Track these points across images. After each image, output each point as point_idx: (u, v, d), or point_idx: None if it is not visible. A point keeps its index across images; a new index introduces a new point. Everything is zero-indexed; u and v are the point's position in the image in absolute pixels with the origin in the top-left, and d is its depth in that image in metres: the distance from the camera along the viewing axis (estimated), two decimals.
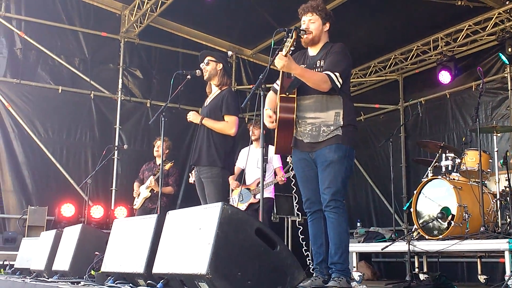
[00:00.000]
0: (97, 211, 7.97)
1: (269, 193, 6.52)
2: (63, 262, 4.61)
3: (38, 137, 8.27)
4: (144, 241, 3.36)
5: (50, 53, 8.51)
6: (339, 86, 3.58)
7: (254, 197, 6.52)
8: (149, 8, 8.39)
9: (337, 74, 3.56)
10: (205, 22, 9.34)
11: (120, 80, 8.99)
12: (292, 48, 3.52)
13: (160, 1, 8.16)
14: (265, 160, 6.47)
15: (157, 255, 3.14)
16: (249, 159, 6.54)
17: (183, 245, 2.92)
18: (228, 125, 4.65)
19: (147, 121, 8.78)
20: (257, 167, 6.61)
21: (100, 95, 8.84)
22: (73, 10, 8.78)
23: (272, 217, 8.23)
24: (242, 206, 6.57)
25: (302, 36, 3.75)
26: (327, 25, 3.82)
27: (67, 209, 7.83)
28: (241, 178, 6.64)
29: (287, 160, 6.43)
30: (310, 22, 3.79)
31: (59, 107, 8.48)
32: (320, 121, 3.63)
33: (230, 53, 9.91)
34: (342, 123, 3.61)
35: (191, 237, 2.88)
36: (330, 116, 3.63)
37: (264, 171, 6.41)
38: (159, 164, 7.11)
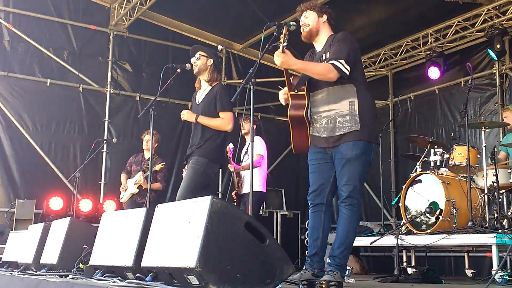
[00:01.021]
0: (85, 205, 7.94)
1: (258, 186, 6.48)
2: (51, 255, 4.59)
3: (26, 130, 8.21)
4: (133, 235, 3.35)
5: (38, 46, 8.44)
6: (347, 72, 3.53)
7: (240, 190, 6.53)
8: (138, 1, 8.34)
9: (342, 61, 3.52)
10: (195, 16, 9.30)
11: (109, 74, 8.93)
12: (284, 44, 3.52)
13: None
14: (245, 152, 6.46)
15: (146, 249, 3.13)
16: (242, 155, 6.59)
17: (172, 239, 2.92)
18: (224, 122, 4.66)
19: (136, 114, 8.74)
20: (243, 156, 6.57)
21: (89, 88, 8.77)
22: (62, 2, 8.70)
23: (261, 211, 8.26)
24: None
25: (302, 31, 3.80)
26: (324, 16, 3.84)
27: (55, 203, 7.79)
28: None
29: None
30: (305, 18, 3.84)
31: (48, 100, 8.41)
32: (334, 112, 3.61)
33: (220, 47, 9.90)
34: (357, 113, 3.56)
35: (180, 231, 2.88)
36: (345, 106, 3.59)
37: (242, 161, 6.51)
38: (148, 159, 7.09)
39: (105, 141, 8.27)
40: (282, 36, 3.52)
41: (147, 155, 7.14)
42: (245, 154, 6.52)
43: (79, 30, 8.80)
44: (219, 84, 4.87)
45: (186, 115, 4.79)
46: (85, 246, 4.28)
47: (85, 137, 8.49)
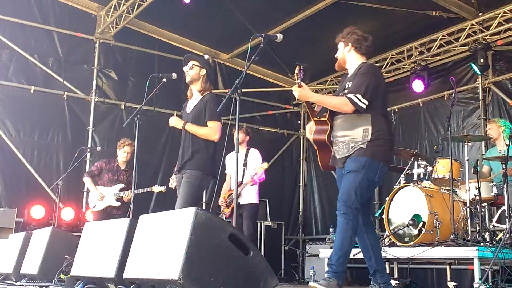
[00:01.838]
0: (67, 214, 7.86)
1: (253, 198, 6.50)
2: (31, 265, 4.53)
3: (9, 137, 8.11)
4: (115, 245, 3.32)
5: (23, 53, 8.37)
6: (364, 106, 3.70)
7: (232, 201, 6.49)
8: (125, 10, 8.32)
9: (359, 95, 3.69)
10: (182, 25, 9.30)
11: (94, 81, 8.88)
12: (298, 81, 3.70)
13: (137, 3, 8.10)
14: (244, 164, 6.54)
15: (128, 260, 3.11)
16: (233, 165, 6.51)
17: (155, 250, 2.90)
18: (211, 131, 4.64)
19: (121, 123, 8.69)
20: (242, 167, 6.60)
21: (73, 96, 8.71)
22: (48, 9, 8.65)
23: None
24: (227, 212, 6.60)
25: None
26: (349, 45, 4.00)
27: (37, 211, 7.70)
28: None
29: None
30: (337, 50, 4.07)
31: (31, 107, 8.33)
32: (348, 138, 3.80)
33: (206, 56, 10.00)
34: (369, 139, 3.73)
35: (163, 242, 2.86)
36: (359, 133, 3.77)
37: (242, 175, 6.50)
38: (124, 169, 7.00)
39: (88, 150, 8.20)
40: (295, 74, 3.73)
41: (122, 165, 7.04)
42: (243, 166, 6.60)
43: (65, 37, 8.75)
44: (209, 93, 4.86)
45: (174, 121, 4.78)
46: (66, 256, 4.24)
47: (69, 145, 8.42)
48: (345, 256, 3.66)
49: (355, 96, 3.69)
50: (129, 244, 3.14)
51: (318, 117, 3.94)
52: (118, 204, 6.78)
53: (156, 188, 6.70)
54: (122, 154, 7.01)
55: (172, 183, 4.93)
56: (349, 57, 4.00)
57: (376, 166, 3.73)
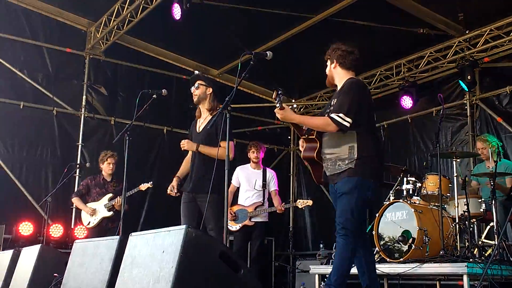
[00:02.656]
0: (56, 230, 7.79)
1: (264, 217, 6.72)
2: (20, 283, 4.48)
3: None
4: (105, 264, 3.30)
5: (12, 68, 8.35)
6: (348, 125, 3.68)
7: (250, 219, 6.65)
8: (115, 26, 8.35)
9: (341, 115, 3.68)
10: (172, 41, 9.34)
11: (84, 97, 8.86)
12: (277, 105, 3.71)
13: (127, 19, 8.13)
14: (263, 184, 6.79)
15: (118, 278, 3.09)
16: (247, 180, 6.80)
17: (146, 269, 2.89)
18: (225, 151, 4.63)
19: (111, 139, 8.67)
20: (254, 189, 6.80)
21: (63, 111, 8.69)
22: (38, 25, 8.65)
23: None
24: (236, 226, 6.68)
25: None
26: (334, 62, 4.03)
27: (25, 228, 7.63)
28: (235, 197, 6.90)
29: None
30: (326, 67, 4.10)
31: (20, 123, 8.29)
32: (335, 156, 3.82)
33: (196, 72, 10.02)
34: (356, 157, 3.72)
35: (154, 260, 2.85)
36: (344, 151, 3.77)
37: (263, 195, 6.76)
38: (110, 181, 7.00)
39: (78, 166, 8.17)
40: (273, 98, 3.76)
41: (108, 178, 7.05)
42: (262, 188, 6.83)
43: (55, 53, 8.75)
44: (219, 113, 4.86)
45: (187, 145, 4.76)
46: (55, 274, 4.20)
47: (58, 161, 8.38)
48: (342, 277, 3.67)
49: (338, 116, 3.68)
50: (119, 262, 3.13)
51: (306, 135, 3.98)
52: (111, 213, 6.78)
53: (143, 186, 6.72)
54: (107, 166, 7.03)
55: (173, 190, 4.88)
56: (335, 74, 4.02)
57: (368, 184, 3.74)
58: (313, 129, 3.90)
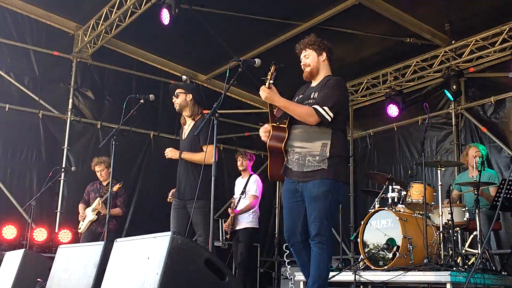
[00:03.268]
0: (40, 234, 7.71)
1: (249, 222, 6.78)
2: None
3: None
4: (89, 270, 3.28)
5: None
6: (329, 119, 3.63)
7: (233, 225, 6.91)
8: (103, 30, 8.32)
9: (326, 108, 3.62)
10: (161, 46, 9.32)
11: (71, 100, 8.79)
12: (271, 81, 3.64)
13: (116, 23, 8.11)
14: (243, 192, 6.95)
15: (102, 285, 3.07)
16: (236, 188, 7.10)
17: (130, 275, 2.88)
18: (207, 155, 4.66)
19: (97, 143, 8.61)
20: (239, 195, 6.99)
21: (49, 114, 8.61)
22: (25, 27, 8.58)
23: (220, 243, 8.30)
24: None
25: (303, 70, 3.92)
26: (324, 54, 3.94)
27: (9, 231, 7.54)
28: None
29: None
30: (305, 58, 3.93)
31: (6, 126, 8.19)
32: (306, 151, 3.70)
33: (184, 77, 9.98)
34: (328, 155, 3.65)
35: (139, 267, 2.84)
36: (317, 147, 3.68)
37: (238, 202, 6.93)
38: (106, 185, 7.00)
39: (63, 169, 8.10)
40: (269, 73, 3.66)
41: (104, 183, 7.07)
42: (241, 194, 6.99)
43: (42, 55, 8.67)
44: (201, 117, 4.92)
45: (170, 153, 4.85)
46: (39, 279, 4.17)
47: (43, 165, 8.30)
48: (324, 284, 3.64)
49: (322, 108, 3.62)
50: (104, 268, 3.11)
51: (278, 123, 3.79)
52: (96, 217, 6.78)
53: (115, 187, 6.68)
54: (97, 174, 7.03)
55: (170, 196, 4.99)
56: (322, 66, 3.92)
57: (340, 187, 3.71)
58: (295, 116, 3.72)
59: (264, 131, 3.83)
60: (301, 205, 3.74)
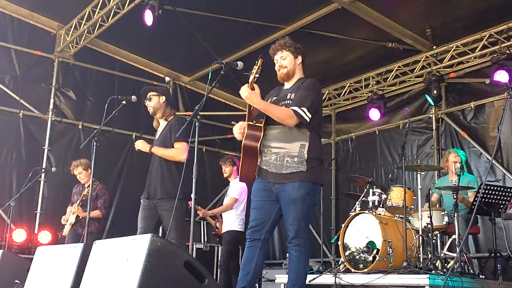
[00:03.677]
0: (19, 235, 7.61)
1: (232, 225, 6.80)
2: None
3: None
4: (68, 272, 3.26)
5: None
6: (308, 120, 3.63)
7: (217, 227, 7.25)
8: (86, 30, 8.26)
9: (304, 109, 3.63)
10: (144, 47, 9.29)
11: (52, 100, 8.71)
12: (257, 75, 3.64)
13: (98, 23, 8.06)
14: (224, 195, 7.10)
15: (81, 286, 3.05)
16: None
17: (109, 277, 2.86)
18: (178, 152, 4.67)
19: (78, 143, 8.54)
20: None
21: (29, 114, 8.52)
22: (7, 26, 8.48)
23: (202, 245, 8.35)
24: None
25: (277, 71, 3.89)
26: (299, 58, 3.94)
27: None
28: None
29: None
30: (282, 59, 3.91)
31: None
32: (284, 151, 3.68)
33: (167, 79, 9.97)
34: (306, 156, 3.65)
35: (117, 269, 2.83)
36: (295, 147, 3.67)
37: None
38: (88, 187, 6.94)
39: (43, 170, 8.02)
40: (256, 67, 3.66)
41: (86, 184, 7.00)
42: (225, 197, 7.11)
43: (23, 55, 8.58)
44: (174, 117, 4.94)
45: (140, 144, 4.79)
46: (16, 281, 4.13)
47: (23, 165, 8.20)
48: (303, 286, 3.66)
49: (301, 109, 3.63)
50: (82, 270, 3.09)
51: (254, 122, 3.73)
52: (73, 220, 6.68)
53: (85, 191, 6.65)
54: (78, 177, 6.96)
55: None
56: (298, 69, 3.93)
57: (317, 190, 3.73)
58: (274, 118, 3.68)
59: (239, 128, 3.79)
60: (274, 206, 3.71)
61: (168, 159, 4.71)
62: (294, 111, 3.63)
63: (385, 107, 8.63)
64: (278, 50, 3.92)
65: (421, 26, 7.64)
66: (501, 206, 5.49)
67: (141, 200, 4.82)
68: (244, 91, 3.61)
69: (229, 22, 7.72)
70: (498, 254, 5.71)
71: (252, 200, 3.83)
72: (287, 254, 8.27)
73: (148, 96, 4.88)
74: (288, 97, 3.78)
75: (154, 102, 4.86)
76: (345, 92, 9.30)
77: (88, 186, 6.94)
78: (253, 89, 3.64)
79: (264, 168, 3.74)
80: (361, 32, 7.73)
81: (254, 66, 3.67)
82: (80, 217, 6.63)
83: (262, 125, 3.71)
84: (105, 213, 6.96)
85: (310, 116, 3.64)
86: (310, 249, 3.72)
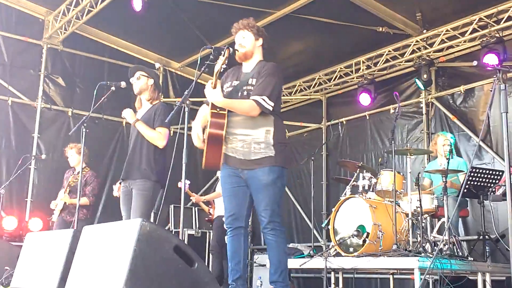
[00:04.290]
0: (9, 223, 7.61)
1: (221, 210, 6.81)
2: None
3: None
4: (58, 257, 3.26)
5: None
6: (270, 108, 3.65)
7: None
8: (74, 15, 8.18)
9: (265, 97, 3.64)
10: (133, 33, 9.22)
11: (41, 87, 8.66)
12: (224, 66, 3.63)
13: (87, 9, 7.98)
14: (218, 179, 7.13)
15: (70, 272, 3.06)
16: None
17: (99, 262, 2.87)
18: (159, 136, 4.65)
19: (68, 130, 8.51)
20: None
21: (18, 101, 8.47)
22: None
23: (194, 231, 8.40)
24: None
25: (236, 51, 3.86)
26: (260, 40, 3.93)
27: None
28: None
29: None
30: (242, 38, 3.89)
31: None
32: (250, 138, 3.69)
33: (157, 65, 9.92)
34: (272, 141, 3.68)
35: (107, 254, 2.83)
36: (261, 133, 3.69)
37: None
38: (78, 173, 6.92)
39: (33, 157, 7.99)
40: (223, 58, 3.62)
41: (78, 169, 6.97)
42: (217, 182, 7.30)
43: (11, 41, 8.51)
44: (160, 102, 4.91)
45: (127, 113, 4.73)
46: (6, 267, 4.12)
47: (13, 152, 8.17)
48: (286, 269, 3.70)
49: (262, 99, 3.63)
50: (72, 256, 3.10)
51: (218, 109, 3.68)
52: (61, 206, 6.67)
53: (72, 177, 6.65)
54: (69, 160, 6.91)
55: (116, 191, 4.85)
56: (257, 51, 3.91)
57: (285, 173, 3.77)
58: (238, 113, 3.69)
59: (197, 135, 3.76)
60: (246, 191, 3.74)
61: (147, 142, 4.67)
62: (256, 101, 3.63)
63: (376, 91, 8.63)
64: (239, 29, 3.93)
65: (411, 10, 7.63)
66: (489, 189, 5.54)
67: (122, 184, 4.78)
68: (210, 91, 3.60)
69: (219, 7, 7.66)
70: (486, 236, 5.76)
71: (223, 188, 3.85)
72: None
73: (137, 75, 4.83)
74: (249, 82, 3.77)
75: (142, 82, 4.83)
76: (336, 77, 9.29)
77: (78, 172, 6.94)
78: (215, 86, 3.61)
79: (231, 155, 3.74)
80: (352, 16, 7.70)
81: (221, 57, 3.64)
82: (68, 204, 6.61)
83: (226, 112, 3.70)
84: (93, 200, 6.91)
85: (272, 104, 3.66)
86: (285, 230, 3.77)
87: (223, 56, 3.63)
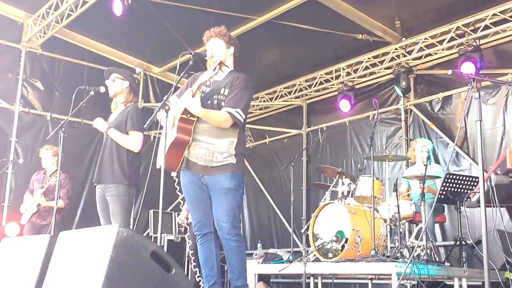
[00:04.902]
0: None
1: None
2: None
3: None
4: (33, 263, 3.22)
5: None
6: (242, 120, 3.72)
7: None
8: (54, 19, 8.11)
9: (239, 110, 3.69)
10: (114, 37, 9.17)
11: (19, 91, 8.55)
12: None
13: (67, 13, 7.91)
14: None
15: (46, 278, 3.02)
16: None
17: (75, 268, 2.84)
18: (133, 140, 4.62)
19: (46, 134, 8.39)
20: None
21: None
22: None
23: (173, 236, 8.31)
24: None
25: (206, 58, 3.89)
26: (232, 48, 3.95)
27: None
28: None
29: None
30: (214, 47, 3.91)
31: None
32: (214, 147, 3.72)
33: (138, 69, 9.86)
34: (234, 152, 3.73)
35: (84, 260, 2.81)
36: (224, 144, 3.73)
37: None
38: (50, 175, 6.87)
39: (10, 162, 7.88)
40: (209, 77, 3.66)
41: (49, 171, 6.91)
42: None
43: None
44: (133, 105, 4.87)
45: (97, 122, 4.71)
46: None
47: None
48: (245, 272, 3.76)
49: (236, 111, 3.69)
50: (48, 262, 3.06)
51: (188, 116, 3.71)
52: (36, 209, 6.62)
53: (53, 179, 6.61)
54: (43, 161, 6.92)
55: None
56: (228, 60, 3.93)
57: (244, 180, 3.83)
58: (211, 123, 3.71)
59: (174, 117, 3.73)
60: (209, 196, 3.77)
61: (120, 145, 4.65)
62: (231, 114, 3.68)
63: (355, 98, 8.71)
64: (211, 37, 3.96)
65: (390, 18, 7.72)
66: (465, 195, 5.62)
67: (96, 188, 4.76)
68: (191, 102, 3.57)
69: (200, 12, 7.66)
70: (463, 242, 5.84)
71: (186, 194, 3.86)
72: (258, 244, 8.31)
73: (112, 77, 4.81)
74: (221, 92, 3.80)
75: (116, 84, 4.80)
76: (316, 83, 9.34)
77: (51, 174, 6.88)
78: (194, 95, 3.62)
79: (193, 160, 3.77)
80: (332, 24, 7.77)
81: (210, 70, 3.67)
82: (42, 206, 6.55)
83: (195, 119, 3.73)
84: (68, 203, 6.86)
85: (244, 117, 3.73)
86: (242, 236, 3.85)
87: (213, 70, 3.64)
